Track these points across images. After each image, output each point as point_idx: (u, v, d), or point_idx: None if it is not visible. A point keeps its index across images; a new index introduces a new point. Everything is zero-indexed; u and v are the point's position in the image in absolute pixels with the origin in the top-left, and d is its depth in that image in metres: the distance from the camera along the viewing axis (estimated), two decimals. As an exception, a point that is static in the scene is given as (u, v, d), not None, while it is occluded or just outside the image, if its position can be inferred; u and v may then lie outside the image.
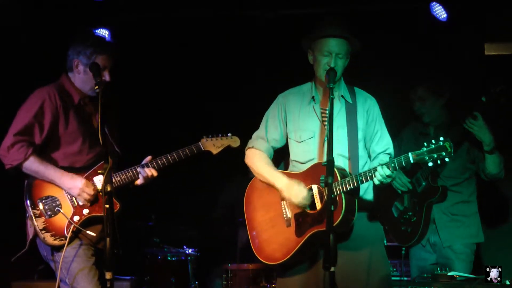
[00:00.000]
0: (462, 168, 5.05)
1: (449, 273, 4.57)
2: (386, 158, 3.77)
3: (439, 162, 3.54)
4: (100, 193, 4.03)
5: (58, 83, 4.18)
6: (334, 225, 3.55)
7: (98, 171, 3.98)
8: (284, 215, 3.85)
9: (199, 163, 6.03)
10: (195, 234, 6.08)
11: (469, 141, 4.97)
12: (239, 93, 6.31)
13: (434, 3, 5.38)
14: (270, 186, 3.92)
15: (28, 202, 4.01)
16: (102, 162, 4.03)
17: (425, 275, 4.82)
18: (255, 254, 3.93)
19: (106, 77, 4.08)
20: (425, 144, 3.56)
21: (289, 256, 3.79)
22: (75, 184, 4.00)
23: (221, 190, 6.45)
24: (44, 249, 4.04)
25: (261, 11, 5.82)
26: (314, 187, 3.76)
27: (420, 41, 5.77)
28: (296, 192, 3.77)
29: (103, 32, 5.66)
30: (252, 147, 4.05)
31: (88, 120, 4.19)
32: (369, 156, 3.98)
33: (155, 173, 4.17)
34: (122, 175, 4.13)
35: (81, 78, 4.15)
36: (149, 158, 4.20)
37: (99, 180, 4.07)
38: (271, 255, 3.87)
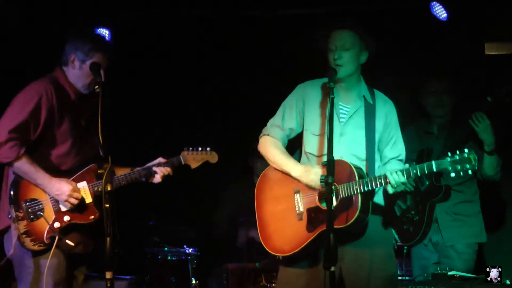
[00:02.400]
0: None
1: (449, 273, 4.57)
2: (400, 165, 3.77)
3: (461, 174, 3.50)
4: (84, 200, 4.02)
5: (53, 77, 4.10)
6: (348, 223, 3.59)
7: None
8: (297, 209, 3.82)
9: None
10: (195, 234, 6.08)
11: (472, 140, 4.97)
12: (239, 93, 6.31)
13: (434, 2, 5.38)
14: (283, 178, 3.90)
15: (12, 204, 3.95)
16: (87, 167, 4.06)
17: (425, 274, 4.82)
18: (262, 243, 3.91)
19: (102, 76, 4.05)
20: (449, 154, 3.51)
21: (297, 250, 3.77)
22: (63, 189, 3.94)
23: (221, 190, 6.45)
24: (15, 248, 3.97)
25: (261, 11, 5.82)
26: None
27: (420, 41, 5.77)
28: (313, 176, 3.74)
29: (103, 32, 5.66)
30: (268, 135, 4.02)
31: (78, 121, 4.13)
32: (380, 159, 3.95)
33: (171, 172, 4.24)
34: (100, 185, 3.95)
35: (75, 74, 4.09)
36: (161, 159, 4.24)
37: (82, 187, 4.03)
38: (279, 246, 3.85)
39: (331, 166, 3.44)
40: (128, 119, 6.19)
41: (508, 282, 4.34)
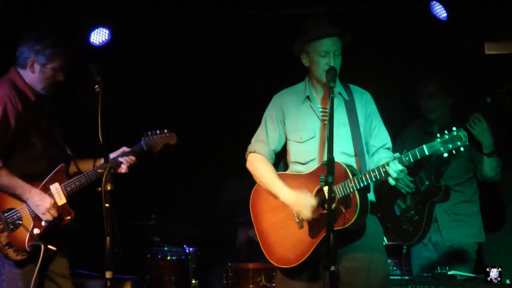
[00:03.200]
0: (465, 167, 5.06)
1: (449, 272, 4.58)
2: (388, 153, 3.78)
3: (454, 152, 3.47)
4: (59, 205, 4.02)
5: (10, 80, 4.03)
6: (350, 223, 3.58)
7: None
8: (296, 217, 3.80)
9: (199, 162, 6.06)
10: (195, 233, 6.07)
11: (471, 142, 4.97)
12: (239, 92, 6.31)
13: (434, 2, 5.37)
14: None
15: None
16: (56, 169, 4.05)
17: (425, 274, 4.82)
18: (266, 257, 3.88)
19: (61, 77, 4.05)
20: (438, 135, 3.50)
21: (304, 258, 3.73)
22: (44, 202, 3.94)
23: (221, 189, 6.45)
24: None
25: (261, 11, 5.82)
26: (326, 188, 3.69)
27: (420, 40, 5.78)
28: (304, 206, 3.68)
29: (104, 32, 5.64)
30: (254, 152, 4.00)
31: (40, 123, 4.10)
32: (367, 151, 3.95)
33: (136, 161, 4.20)
34: (72, 184, 4.05)
35: (35, 77, 4.05)
36: (125, 148, 4.20)
37: (55, 189, 4.03)
38: (283, 257, 3.81)
39: (331, 165, 3.43)
40: (125, 118, 6.20)
41: (508, 281, 4.34)
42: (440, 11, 5.37)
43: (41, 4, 5.32)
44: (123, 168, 4.17)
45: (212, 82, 6.33)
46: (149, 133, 4.25)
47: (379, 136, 3.93)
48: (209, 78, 6.32)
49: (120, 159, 4.16)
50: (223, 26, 5.95)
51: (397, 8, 5.68)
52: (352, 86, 4.00)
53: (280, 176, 3.91)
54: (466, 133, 3.46)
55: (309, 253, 3.73)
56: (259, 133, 4.02)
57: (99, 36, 5.63)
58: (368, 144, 3.94)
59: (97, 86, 3.72)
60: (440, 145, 3.48)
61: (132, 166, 4.20)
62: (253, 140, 4.04)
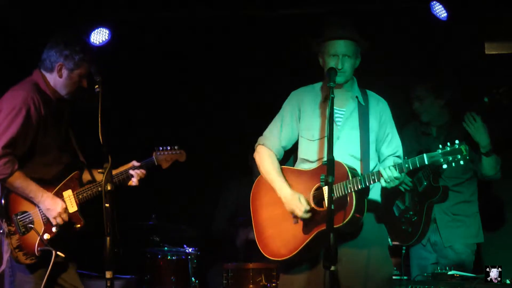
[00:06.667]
0: (463, 168, 5.05)
1: (449, 273, 4.58)
2: (396, 160, 3.79)
3: (453, 165, 3.51)
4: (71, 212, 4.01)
5: (34, 83, 4.01)
6: (343, 223, 3.60)
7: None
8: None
9: (199, 162, 6.05)
10: (195, 233, 6.08)
11: (469, 142, 4.97)
12: (239, 93, 6.31)
13: (434, 2, 5.37)
14: None
15: (4, 218, 3.91)
16: (70, 175, 4.05)
17: (425, 274, 4.83)
18: (260, 249, 3.92)
19: (85, 83, 4.04)
20: (440, 146, 3.53)
21: (294, 253, 3.79)
22: (56, 207, 3.93)
23: (221, 189, 6.45)
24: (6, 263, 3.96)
25: (261, 11, 5.82)
26: (325, 188, 3.70)
27: (420, 40, 5.78)
28: (296, 205, 3.76)
29: (104, 32, 5.65)
30: (263, 145, 4.03)
31: (59, 127, 4.09)
32: (378, 159, 3.97)
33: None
34: (84, 192, 4.06)
35: (61, 82, 4.03)
36: (134, 162, 4.22)
37: (68, 196, 4.02)
38: (276, 251, 3.87)
39: (331, 165, 3.45)
40: (125, 117, 6.20)
41: (508, 281, 4.34)
42: (440, 11, 5.37)
43: (41, 4, 5.32)
44: (134, 182, 4.19)
45: (212, 82, 6.33)
46: (160, 148, 4.29)
47: (391, 144, 3.96)
48: (209, 78, 6.32)
49: (131, 172, 4.17)
50: (223, 26, 5.95)
51: (397, 8, 5.68)
52: (369, 92, 4.03)
53: (285, 170, 3.96)
54: (467, 147, 3.50)
55: (300, 248, 3.76)
56: (273, 127, 4.04)
57: (99, 36, 5.63)
58: (379, 151, 3.97)
59: (97, 86, 3.72)
60: (440, 156, 3.52)
61: (142, 179, 4.22)
62: (266, 132, 4.06)
